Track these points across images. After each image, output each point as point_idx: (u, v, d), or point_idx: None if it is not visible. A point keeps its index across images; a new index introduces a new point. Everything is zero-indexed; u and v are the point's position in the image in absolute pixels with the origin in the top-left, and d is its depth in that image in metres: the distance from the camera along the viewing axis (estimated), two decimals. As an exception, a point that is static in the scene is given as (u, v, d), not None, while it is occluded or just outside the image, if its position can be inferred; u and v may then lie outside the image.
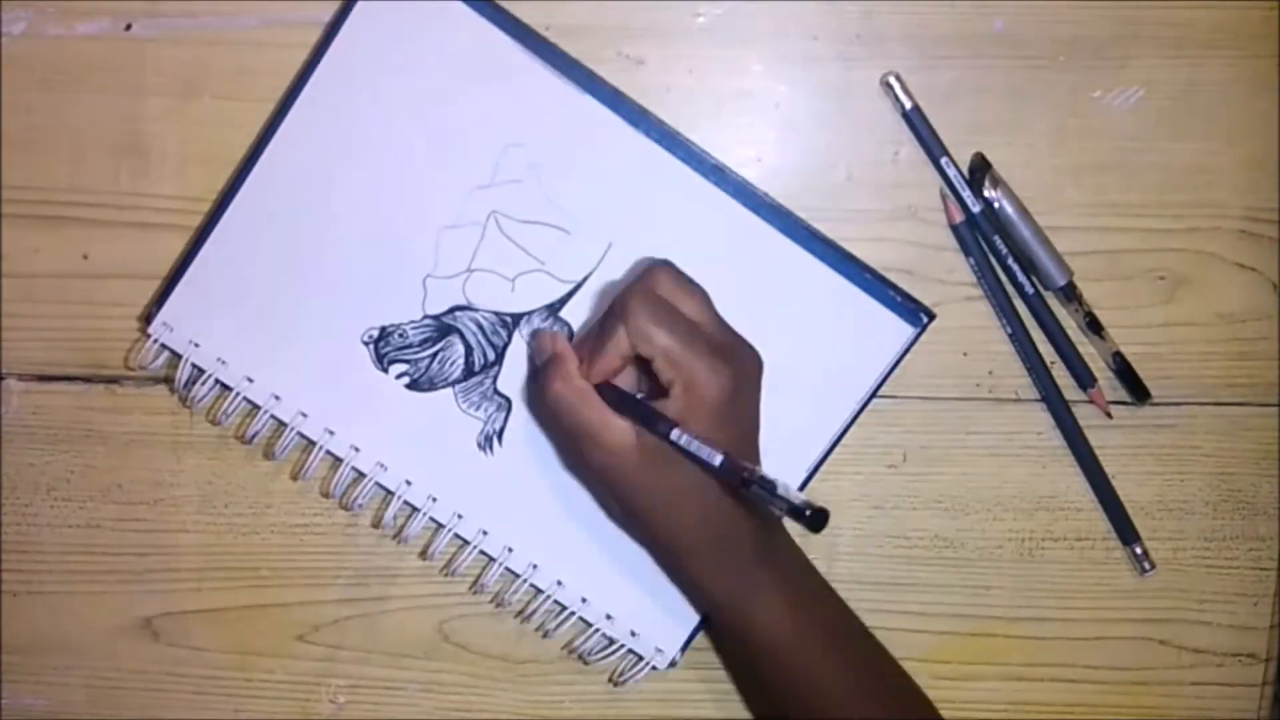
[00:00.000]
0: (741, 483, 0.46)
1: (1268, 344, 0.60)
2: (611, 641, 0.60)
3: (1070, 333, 0.59)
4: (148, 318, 0.58)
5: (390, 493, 0.58)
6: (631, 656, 0.60)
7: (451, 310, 0.58)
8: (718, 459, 0.47)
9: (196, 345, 0.58)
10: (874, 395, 0.58)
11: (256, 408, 0.58)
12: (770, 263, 0.57)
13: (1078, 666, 0.62)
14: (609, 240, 0.57)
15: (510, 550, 0.59)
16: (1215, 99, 0.58)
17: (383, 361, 0.58)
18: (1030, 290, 0.58)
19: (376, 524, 0.59)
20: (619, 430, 0.50)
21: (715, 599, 0.54)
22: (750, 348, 0.53)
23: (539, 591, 0.59)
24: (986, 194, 0.57)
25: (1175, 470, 0.61)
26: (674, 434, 0.49)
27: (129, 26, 0.57)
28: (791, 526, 0.56)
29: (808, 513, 0.44)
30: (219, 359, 0.58)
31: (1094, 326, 0.59)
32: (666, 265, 0.52)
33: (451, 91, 0.56)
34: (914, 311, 0.58)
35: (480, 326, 0.58)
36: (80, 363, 0.59)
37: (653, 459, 0.50)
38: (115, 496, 0.60)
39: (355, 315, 0.58)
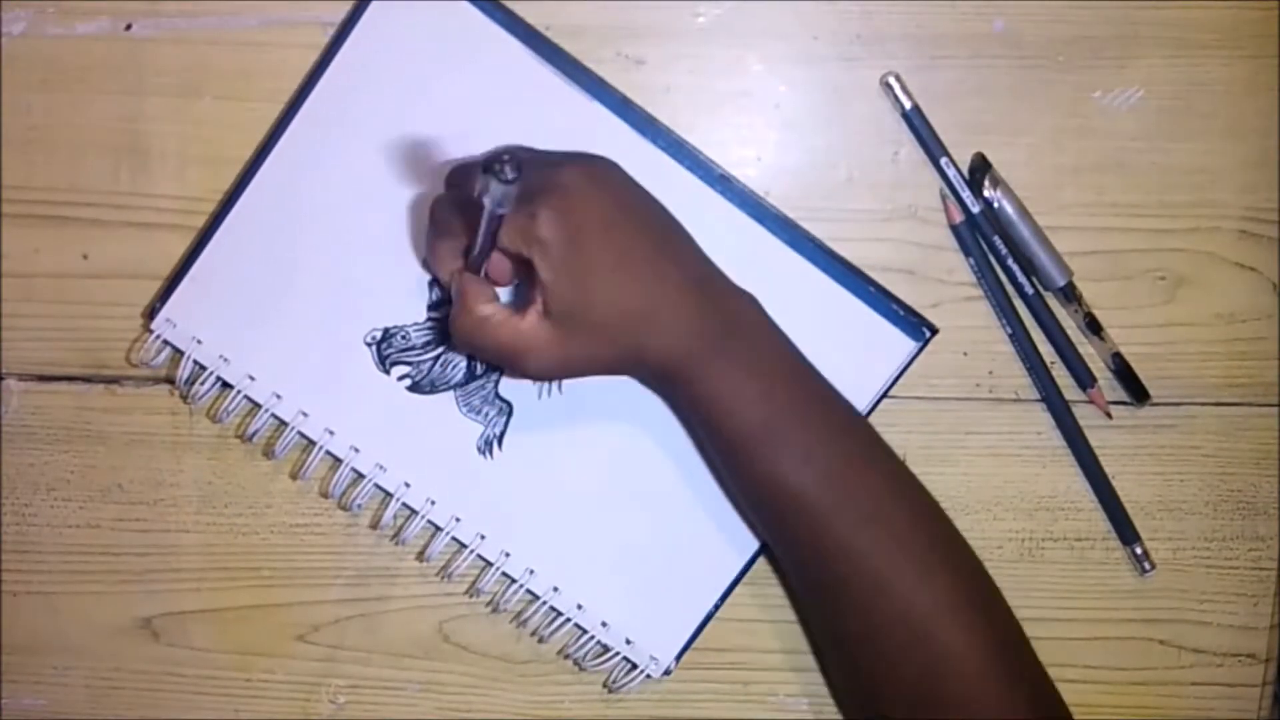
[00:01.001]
0: (491, 202, 0.44)
1: (1268, 344, 0.60)
2: (606, 649, 0.60)
3: (1070, 333, 0.59)
4: (150, 314, 0.58)
5: (389, 494, 0.58)
6: (626, 664, 0.60)
7: (453, 311, 0.58)
8: (486, 217, 0.46)
9: (199, 342, 0.58)
10: (874, 408, 0.58)
11: (257, 406, 0.58)
12: (773, 274, 0.57)
13: (1078, 666, 0.61)
14: (610, 241, 0.57)
15: (507, 555, 0.59)
16: (1215, 99, 0.58)
17: (385, 363, 0.58)
18: (1030, 290, 0.58)
19: (375, 525, 0.59)
20: (527, 330, 0.49)
21: (681, 394, 0.53)
22: (581, 159, 0.51)
23: (535, 597, 0.59)
24: (986, 194, 0.57)
25: (1175, 470, 0.61)
26: (480, 238, 0.48)
27: (129, 26, 0.57)
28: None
29: (507, 175, 0.41)
30: (221, 356, 0.58)
31: (1094, 327, 0.59)
32: (454, 164, 0.52)
33: (460, 94, 0.57)
34: (916, 325, 0.58)
35: (481, 328, 0.58)
36: (80, 363, 0.59)
37: (569, 324, 0.49)
38: (115, 496, 0.60)
39: (359, 316, 0.58)
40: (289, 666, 0.61)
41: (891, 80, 0.57)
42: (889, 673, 0.53)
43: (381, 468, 0.58)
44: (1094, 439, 0.60)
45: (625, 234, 0.50)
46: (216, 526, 0.60)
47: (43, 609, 0.61)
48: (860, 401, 0.58)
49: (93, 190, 0.58)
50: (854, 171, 0.59)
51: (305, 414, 0.58)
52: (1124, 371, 0.59)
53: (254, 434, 0.58)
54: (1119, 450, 0.60)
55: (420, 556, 0.60)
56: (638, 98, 0.57)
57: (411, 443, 0.58)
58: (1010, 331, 0.59)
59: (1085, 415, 0.60)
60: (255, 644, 0.61)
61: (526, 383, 0.58)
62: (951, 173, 0.58)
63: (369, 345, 0.58)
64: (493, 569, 0.59)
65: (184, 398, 0.58)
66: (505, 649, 0.61)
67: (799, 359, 0.54)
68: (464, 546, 0.59)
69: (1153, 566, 0.61)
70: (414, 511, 0.58)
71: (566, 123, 0.56)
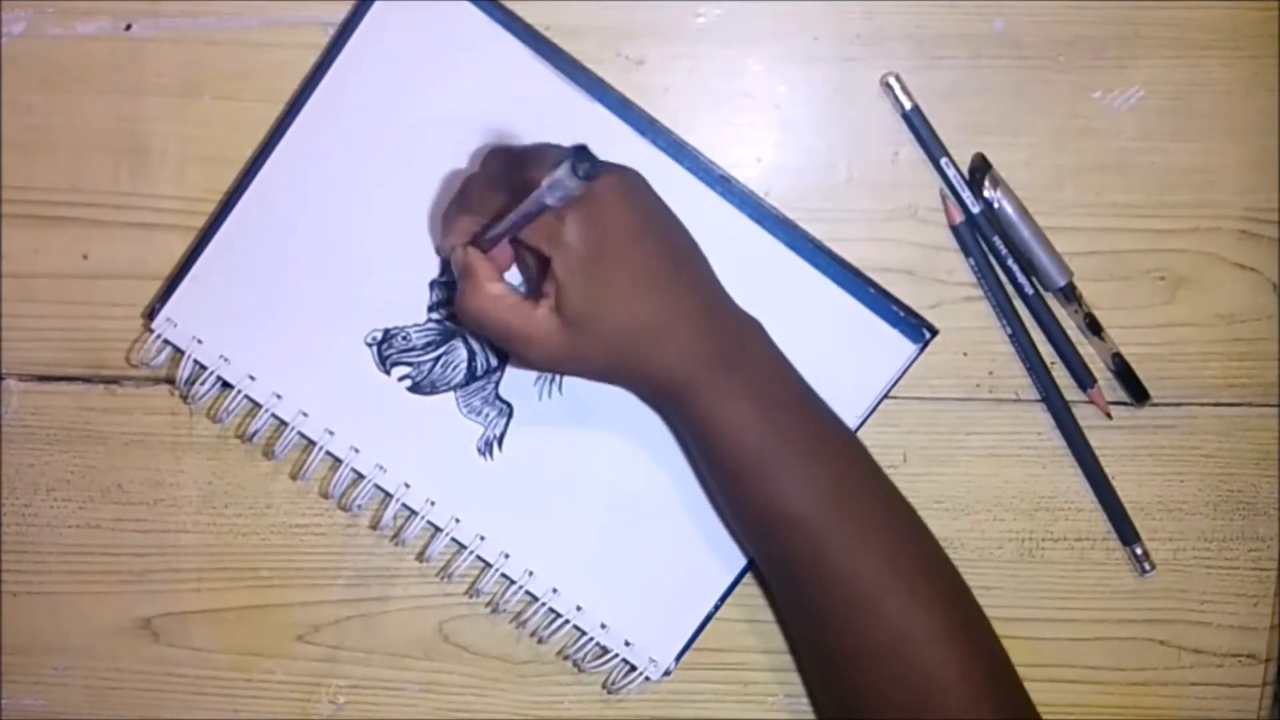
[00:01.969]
0: (549, 195, 0.43)
1: (1268, 344, 0.60)
2: (606, 650, 0.60)
3: (1070, 333, 0.59)
4: (150, 314, 0.58)
5: (389, 495, 0.58)
6: (625, 665, 0.60)
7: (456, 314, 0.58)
8: (534, 206, 0.45)
9: (199, 342, 0.58)
10: (874, 410, 0.58)
11: (257, 406, 0.58)
12: (774, 276, 0.57)
13: (1078, 667, 0.61)
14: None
15: (507, 556, 0.59)
16: (1215, 99, 0.58)
17: (385, 363, 0.58)
18: (1030, 290, 0.58)
19: (375, 526, 0.59)
20: (537, 320, 0.50)
21: (682, 414, 0.53)
22: (614, 169, 0.50)
23: (534, 598, 0.59)
24: (986, 194, 0.57)
25: (1175, 471, 0.61)
26: (515, 220, 0.47)
27: (129, 26, 0.57)
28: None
29: (580, 172, 0.41)
30: (221, 356, 0.58)
31: (1094, 327, 0.59)
32: (498, 147, 0.52)
33: (461, 94, 0.57)
34: (916, 327, 0.58)
35: (482, 329, 0.58)
36: (80, 363, 0.59)
37: (579, 326, 0.49)
38: (115, 496, 0.60)
39: (359, 316, 0.58)
40: (289, 666, 0.61)
41: (891, 80, 0.57)
42: (877, 695, 0.53)
43: (381, 468, 0.58)
44: (1094, 439, 0.60)
45: (645, 251, 0.50)
46: (216, 526, 0.60)
47: (43, 609, 0.61)
48: (860, 404, 0.58)
49: (93, 190, 0.58)
50: (854, 171, 0.59)
51: (305, 414, 0.58)
52: (1124, 372, 0.59)
53: (254, 434, 0.58)
54: (1119, 450, 0.60)
55: (420, 557, 0.60)
56: (637, 98, 0.57)
57: (411, 443, 0.58)
58: (1010, 332, 0.59)
59: (1085, 415, 0.60)
60: (255, 644, 0.61)
61: (527, 384, 0.58)
62: (951, 173, 0.58)
63: (369, 346, 0.58)
64: (492, 570, 0.59)
65: (184, 398, 0.58)
66: (505, 649, 0.61)
67: (800, 385, 0.54)
68: (464, 547, 0.59)
69: (1153, 567, 0.61)
70: (414, 512, 0.58)
71: (566, 123, 0.56)
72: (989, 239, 0.58)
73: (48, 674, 0.61)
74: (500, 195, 0.50)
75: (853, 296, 0.57)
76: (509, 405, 0.58)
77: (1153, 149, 0.59)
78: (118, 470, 0.60)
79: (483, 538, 0.59)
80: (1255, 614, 0.61)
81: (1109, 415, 0.60)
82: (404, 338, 0.58)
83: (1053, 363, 0.59)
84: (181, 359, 0.58)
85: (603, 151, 0.51)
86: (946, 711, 0.51)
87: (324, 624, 0.61)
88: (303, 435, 0.58)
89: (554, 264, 0.49)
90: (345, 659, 0.61)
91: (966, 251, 0.58)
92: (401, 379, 0.58)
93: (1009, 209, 0.57)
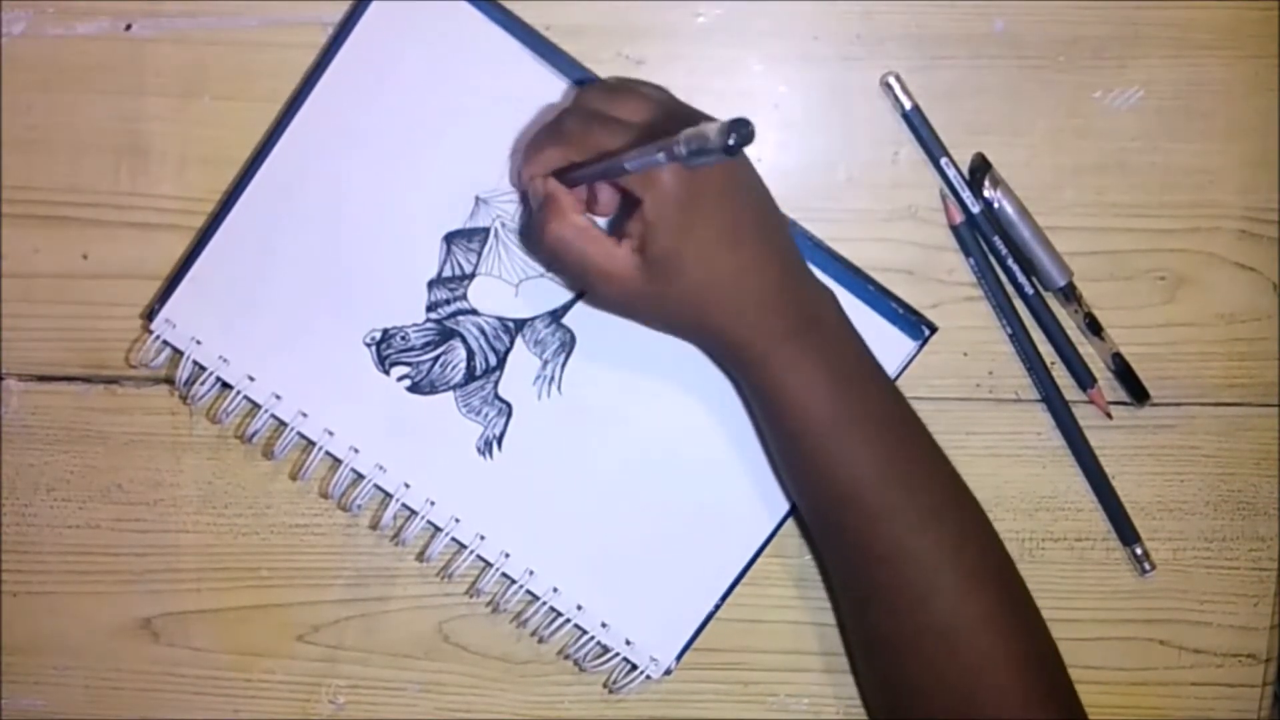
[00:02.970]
0: (687, 154, 0.42)
1: (1268, 344, 0.60)
2: (606, 649, 0.59)
3: (1070, 333, 0.59)
4: (150, 314, 0.58)
5: (389, 495, 0.58)
6: (626, 664, 0.60)
7: (454, 314, 0.58)
8: (659, 154, 0.44)
9: (198, 342, 0.58)
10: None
11: (257, 406, 0.58)
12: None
13: (1078, 667, 0.61)
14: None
15: (507, 556, 0.59)
16: (1215, 99, 0.58)
17: (384, 363, 0.58)
18: (1030, 290, 0.58)
19: (375, 526, 0.59)
20: (620, 258, 0.50)
21: (752, 377, 0.53)
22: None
23: (535, 597, 0.59)
24: (986, 194, 0.57)
25: (1175, 470, 0.61)
26: (626, 162, 0.47)
27: (129, 26, 0.57)
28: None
29: (731, 140, 0.40)
30: (220, 357, 0.58)
31: (1094, 327, 0.59)
32: (595, 82, 0.52)
33: (459, 95, 0.57)
34: (915, 325, 0.58)
35: (483, 331, 0.58)
36: (80, 363, 0.59)
37: (657, 272, 0.50)
38: (115, 496, 0.60)
39: (358, 316, 0.58)
40: (289, 666, 0.61)
41: (891, 80, 0.57)
42: (925, 680, 0.53)
43: (381, 468, 0.58)
44: (1094, 439, 0.60)
45: (737, 207, 0.51)
46: (216, 526, 0.60)
47: (43, 609, 0.61)
48: (860, 401, 0.58)
49: (93, 190, 0.58)
50: (854, 171, 0.59)
51: (305, 414, 0.58)
52: (1124, 371, 0.59)
53: (254, 434, 0.58)
54: (1119, 450, 0.60)
55: (420, 557, 0.60)
56: (638, 98, 0.57)
57: (411, 443, 0.58)
58: (1010, 331, 0.59)
59: (1085, 415, 0.60)
60: (255, 644, 0.61)
61: (526, 384, 0.58)
62: (951, 173, 0.58)
63: (368, 346, 0.58)
64: (492, 569, 0.59)
65: (184, 398, 0.58)
66: (505, 649, 0.61)
67: (870, 360, 0.54)
68: (464, 547, 0.59)
69: (1153, 567, 0.61)
70: (414, 512, 0.58)
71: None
72: (989, 239, 0.58)
73: (48, 674, 0.61)
74: (596, 131, 0.50)
75: (852, 294, 0.57)
76: (508, 405, 0.58)
77: (1153, 149, 0.59)
78: (118, 470, 0.60)
79: (483, 537, 0.59)
80: (1255, 614, 0.61)
81: (1109, 415, 0.60)
82: (403, 338, 0.58)
83: (1053, 363, 0.59)
84: (181, 360, 0.58)
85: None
86: (994, 699, 0.51)
87: (324, 624, 0.61)
88: (302, 435, 0.58)
89: (645, 205, 0.49)
90: (345, 659, 0.61)
91: (966, 251, 0.58)
92: (401, 379, 0.58)
93: (1009, 209, 0.57)
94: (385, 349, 0.58)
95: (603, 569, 0.59)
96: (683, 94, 0.58)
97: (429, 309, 0.58)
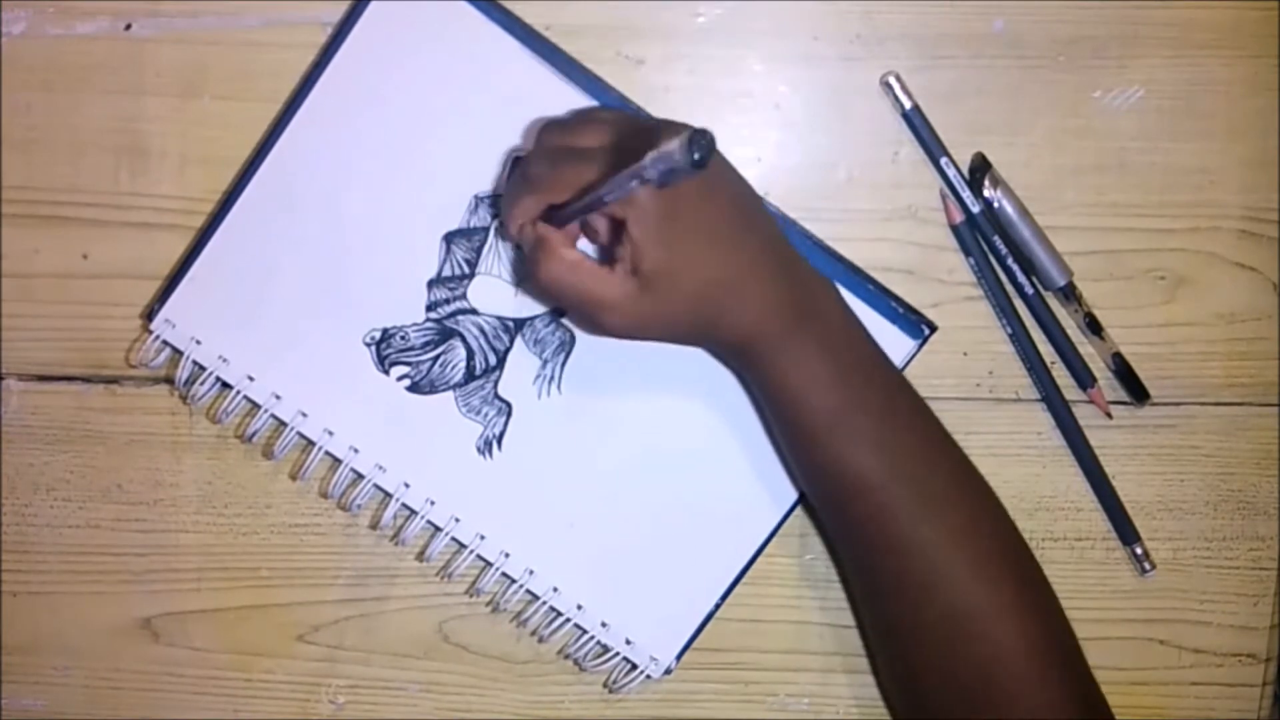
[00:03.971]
0: (658, 176, 0.41)
1: (1268, 344, 0.60)
2: (606, 649, 0.59)
3: (1070, 333, 0.59)
4: (149, 314, 0.58)
5: (389, 495, 0.58)
6: (626, 664, 0.60)
7: (454, 314, 0.58)
8: (633, 182, 0.43)
9: (198, 342, 0.58)
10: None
11: (257, 406, 0.58)
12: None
13: (1078, 666, 0.62)
14: (609, 241, 0.57)
15: (507, 555, 0.59)
16: (1215, 99, 0.58)
17: (384, 363, 0.58)
18: (1030, 290, 0.58)
19: (375, 525, 0.59)
20: (615, 283, 0.50)
21: (756, 374, 0.53)
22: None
23: (535, 597, 0.59)
24: (986, 194, 0.57)
25: (1175, 470, 0.61)
26: (604, 195, 0.46)
27: (129, 26, 0.57)
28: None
29: (695, 155, 0.39)
30: (220, 357, 0.58)
31: (1094, 327, 0.59)
32: (550, 120, 0.52)
33: (459, 95, 0.57)
34: (915, 324, 0.58)
35: (482, 331, 0.58)
36: (80, 363, 0.59)
37: (656, 285, 0.50)
38: (115, 496, 0.60)
39: (358, 316, 0.58)
40: (289, 666, 0.61)
41: (891, 80, 0.57)
42: (941, 669, 0.53)
43: (381, 468, 0.58)
44: (1094, 439, 0.60)
45: (718, 208, 0.51)
46: (216, 526, 0.60)
47: (43, 609, 0.61)
48: (860, 401, 0.58)
49: (93, 190, 0.58)
50: (854, 171, 0.59)
51: (305, 414, 0.58)
52: (1124, 371, 0.59)
53: (254, 434, 0.58)
54: (1119, 450, 0.60)
55: (420, 557, 0.60)
56: (638, 98, 0.57)
57: (411, 443, 0.58)
58: (1010, 331, 0.59)
59: (1085, 415, 0.60)
60: (255, 644, 0.61)
61: (526, 383, 0.58)
62: (951, 173, 0.58)
63: (368, 345, 0.58)
64: (492, 569, 0.59)
65: (183, 398, 0.59)
66: (505, 649, 0.61)
67: (873, 347, 0.54)
68: (463, 547, 0.59)
69: (1153, 566, 0.61)
70: (413, 512, 0.58)
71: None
72: (989, 239, 0.58)
73: (48, 674, 0.61)
74: (564, 169, 0.50)
75: (852, 293, 0.57)
76: (508, 404, 0.58)
77: (1153, 149, 0.59)
78: (118, 470, 0.60)
79: (483, 537, 0.59)
80: (1255, 614, 0.61)
81: (1109, 415, 0.60)
82: (402, 337, 0.58)
83: (1053, 362, 0.59)
84: (181, 360, 0.58)
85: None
86: (1011, 686, 0.51)
87: (324, 624, 0.61)
88: (302, 435, 0.58)
89: (628, 224, 0.49)
90: (345, 659, 0.61)
91: (966, 251, 0.58)
92: (400, 379, 0.58)
93: (1009, 209, 0.57)
94: (385, 349, 0.58)
95: (603, 568, 0.59)
96: (683, 94, 0.58)
97: (429, 308, 0.58)
